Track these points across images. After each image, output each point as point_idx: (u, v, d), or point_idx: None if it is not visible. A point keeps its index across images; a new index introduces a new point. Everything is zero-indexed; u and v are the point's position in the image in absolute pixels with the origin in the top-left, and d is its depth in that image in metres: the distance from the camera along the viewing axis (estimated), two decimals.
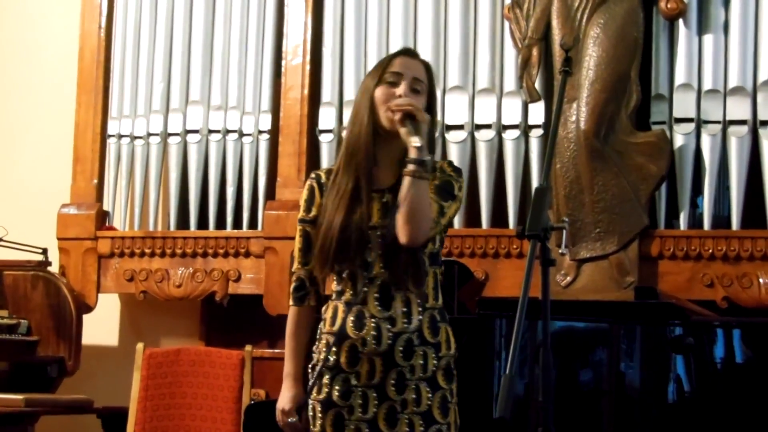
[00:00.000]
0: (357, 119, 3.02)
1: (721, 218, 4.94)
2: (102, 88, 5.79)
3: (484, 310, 4.20)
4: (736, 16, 4.92)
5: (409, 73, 3.02)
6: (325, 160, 5.34)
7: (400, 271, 2.93)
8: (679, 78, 4.93)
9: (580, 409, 4.03)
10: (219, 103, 5.60)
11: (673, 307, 4.16)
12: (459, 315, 4.22)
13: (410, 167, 2.88)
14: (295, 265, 3.09)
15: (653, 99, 4.97)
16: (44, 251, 5.61)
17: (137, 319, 5.92)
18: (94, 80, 5.80)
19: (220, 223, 5.53)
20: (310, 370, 3.03)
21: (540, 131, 5.08)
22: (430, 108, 3.03)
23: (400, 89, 2.98)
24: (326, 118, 5.40)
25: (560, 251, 3.05)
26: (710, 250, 4.81)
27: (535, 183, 5.02)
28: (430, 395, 2.94)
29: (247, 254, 5.45)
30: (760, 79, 4.86)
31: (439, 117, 4.98)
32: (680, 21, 4.96)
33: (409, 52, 3.12)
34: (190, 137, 5.60)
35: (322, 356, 3.00)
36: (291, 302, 3.11)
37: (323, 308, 3.06)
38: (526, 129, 5.11)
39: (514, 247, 5.02)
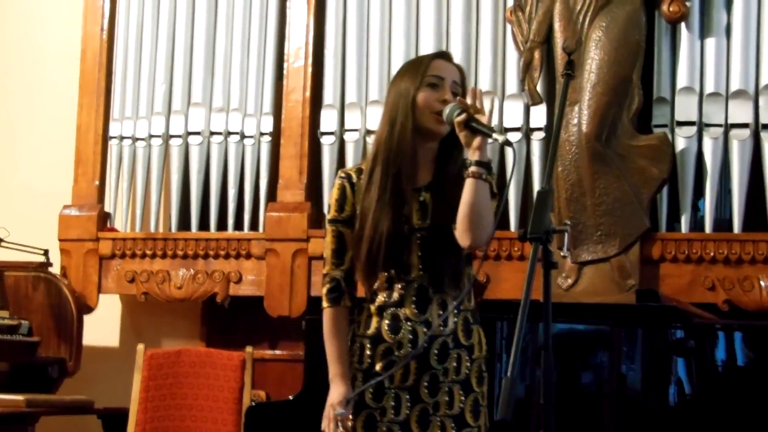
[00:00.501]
0: (396, 121, 2.99)
1: (723, 221, 4.93)
2: (104, 90, 5.79)
3: (486, 312, 4.19)
4: (738, 19, 4.92)
5: (449, 77, 3.02)
6: (327, 162, 5.35)
7: (439, 273, 2.93)
8: (681, 81, 4.93)
9: (582, 411, 4.03)
10: (221, 105, 5.60)
11: (675, 310, 4.16)
12: None
13: (474, 169, 2.87)
14: (328, 266, 3.04)
15: (655, 102, 4.97)
16: (45, 252, 5.62)
17: (138, 320, 5.92)
18: (96, 82, 5.80)
19: (222, 225, 5.53)
20: None
21: (542, 134, 5.08)
22: None
23: (447, 94, 2.97)
24: (328, 120, 5.40)
25: (562, 254, 3.05)
26: (712, 253, 4.80)
27: (536, 186, 5.02)
28: (462, 398, 2.95)
29: (248, 256, 5.45)
30: (762, 82, 4.86)
31: None
32: (682, 24, 4.95)
33: (446, 56, 3.11)
34: (192, 139, 5.61)
35: (355, 359, 2.99)
36: (325, 303, 3.04)
37: (356, 311, 3.04)
38: (527, 132, 5.11)
39: (516, 249, 5.02)
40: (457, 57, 5.21)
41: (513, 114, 5.14)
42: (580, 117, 4.82)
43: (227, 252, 5.47)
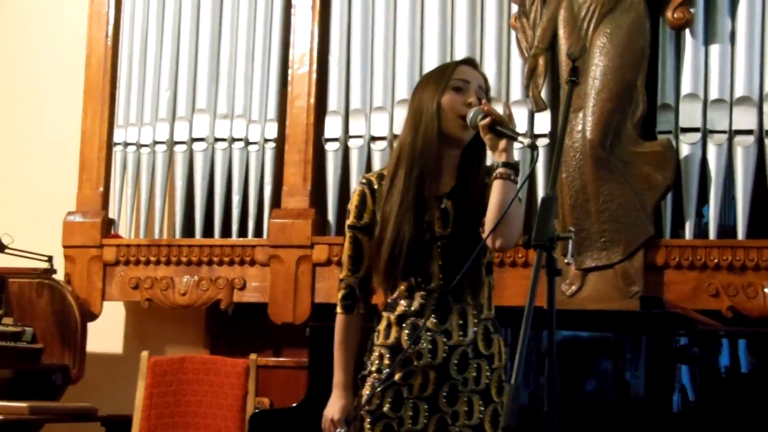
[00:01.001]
0: (421, 125, 2.97)
1: (727, 228, 4.93)
2: (108, 97, 5.80)
3: None
4: (742, 25, 4.92)
5: (475, 82, 3.02)
6: (331, 168, 5.35)
7: (459, 283, 2.88)
8: (686, 87, 4.93)
9: (586, 418, 4.02)
10: (225, 112, 5.61)
11: (679, 317, 4.16)
12: None
13: (502, 170, 2.86)
14: (344, 273, 3.03)
15: (659, 108, 4.96)
16: (50, 259, 5.62)
17: (142, 327, 5.92)
18: (100, 88, 5.81)
19: (226, 231, 5.53)
20: (359, 381, 3.00)
21: (546, 140, 5.08)
22: None
23: (471, 97, 2.97)
24: (332, 126, 5.40)
25: (566, 261, 3.05)
26: (716, 260, 4.80)
27: (540, 192, 5.02)
28: (482, 408, 2.92)
29: (253, 262, 5.45)
30: (767, 89, 4.86)
31: None
32: (687, 31, 4.95)
33: (471, 62, 3.11)
34: (196, 145, 5.61)
35: (374, 368, 2.97)
36: (339, 310, 3.04)
37: (374, 319, 3.02)
38: (532, 138, 5.11)
39: (520, 256, 5.02)
40: None
41: (517, 120, 5.10)
42: (585, 123, 4.82)
43: (231, 258, 5.47)
